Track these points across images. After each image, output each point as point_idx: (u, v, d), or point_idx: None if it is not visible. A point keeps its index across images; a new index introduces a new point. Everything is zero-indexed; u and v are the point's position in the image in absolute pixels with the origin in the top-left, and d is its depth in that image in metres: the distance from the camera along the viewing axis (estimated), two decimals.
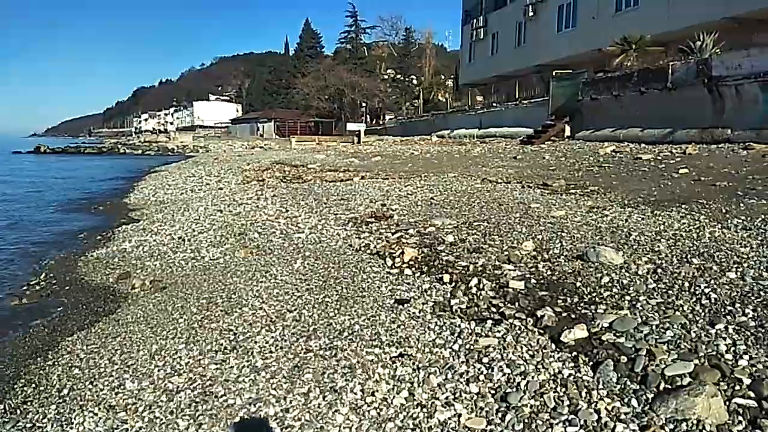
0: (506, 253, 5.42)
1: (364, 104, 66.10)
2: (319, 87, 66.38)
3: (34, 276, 8.17)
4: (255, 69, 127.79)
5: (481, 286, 4.66)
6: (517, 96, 25.83)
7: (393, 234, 7.03)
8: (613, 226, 6.16)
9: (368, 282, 5.46)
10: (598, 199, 8.73)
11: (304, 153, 29.36)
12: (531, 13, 29.88)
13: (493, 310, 4.12)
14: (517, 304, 4.11)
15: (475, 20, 36.69)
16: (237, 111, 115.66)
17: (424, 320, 4.23)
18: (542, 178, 12.07)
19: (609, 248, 4.97)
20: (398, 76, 74.36)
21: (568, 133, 19.09)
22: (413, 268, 5.68)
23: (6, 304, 6.97)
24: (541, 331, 3.66)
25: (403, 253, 5.99)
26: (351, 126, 50.06)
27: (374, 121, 62.85)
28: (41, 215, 15.22)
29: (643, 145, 14.96)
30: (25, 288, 7.63)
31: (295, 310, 4.81)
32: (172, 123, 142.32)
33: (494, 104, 28.15)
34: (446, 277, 5.09)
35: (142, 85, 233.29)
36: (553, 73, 21.66)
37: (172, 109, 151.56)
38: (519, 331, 3.70)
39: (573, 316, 3.76)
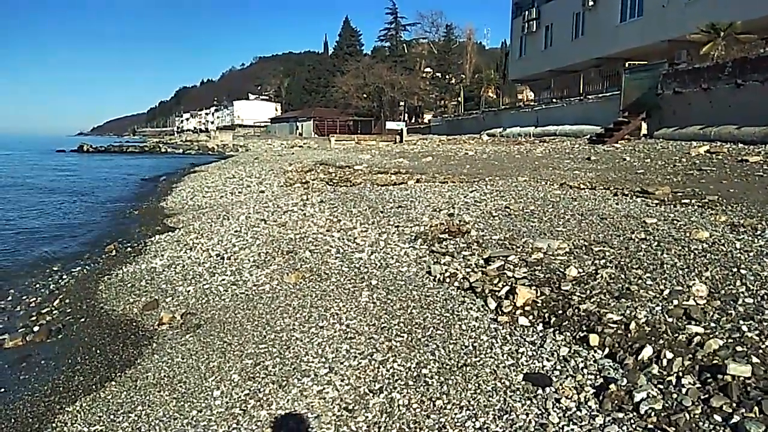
0: (673, 300, 3.80)
1: (403, 103, 64.49)
2: (358, 85, 65.07)
3: (47, 301, 6.91)
4: (294, 68, 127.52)
5: (664, 361, 3.07)
6: (581, 91, 23.80)
7: (487, 262, 5.45)
8: None
9: (471, 338, 3.92)
10: (729, 213, 6.99)
11: (347, 153, 27.99)
12: (590, 3, 27.75)
13: (717, 418, 2.53)
14: (757, 409, 2.51)
15: (526, 12, 34.65)
16: (276, 110, 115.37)
17: (592, 428, 2.67)
18: (634, 183, 10.33)
19: None
20: (437, 74, 72.49)
21: (644, 131, 17.11)
22: (531, 317, 4.12)
23: (5, 342, 5.67)
24: None
25: (513, 292, 4.43)
26: (390, 125, 48.63)
27: (413, 120, 61.22)
28: (70, 219, 14.20)
29: (740, 144, 13.02)
30: (33, 318, 6.36)
31: (381, 390, 3.31)
32: (212, 122, 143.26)
33: (554, 100, 26.14)
34: (593, 339, 3.52)
35: (184, 85, 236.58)
36: (626, 65, 19.64)
37: (212, 109, 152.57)
38: None
39: None
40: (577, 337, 3.65)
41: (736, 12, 17.08)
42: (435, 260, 6.09)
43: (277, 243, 7.78)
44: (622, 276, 4.42)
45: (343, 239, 7.68)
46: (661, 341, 3.29)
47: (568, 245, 5.63)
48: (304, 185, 14.52)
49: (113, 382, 4.30)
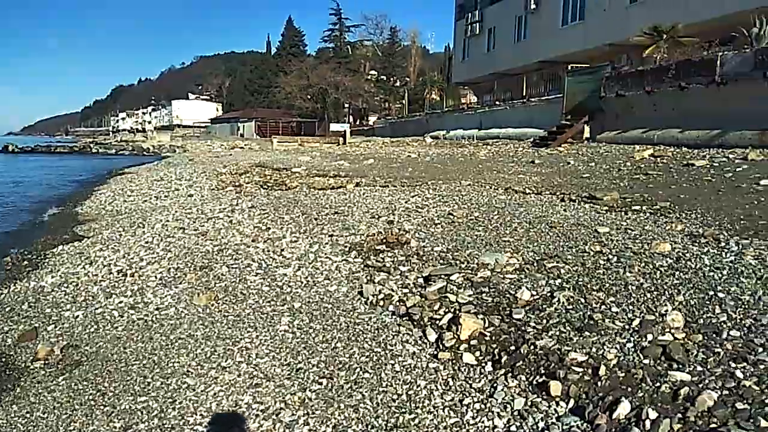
0: (647, 334, 3.14)
1: (347, 104, 63.68)
2: (302, 86, 63.78)
3: None
4: (236, 68, 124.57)
5: (647, 422, 2.38)
6: (524, 94, 23.58)
7: (427, 281, 4.72)
8: None
9: (406, 383, 3.17)
10: (685, 221, 6.53)
11: (287, 154, 26.94)
12: (533, 6, 27.70)
13: None
14: None
15: (469, 15, 34.42)
16: (217, 110, 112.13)
17: None
18: (580, 188, 9.90)
19: None
20: (382, 77, 72.10)
21: (587, 134, 16.88)
22: (478, 353, 3.40)
23: None
24: None
25: (456, 322, 3.70)
26: (335, 126, 47.83)
27: (358, 122, 60.54)
28: None
29: (684, 148, 12.84)
30: None
31: None
32: (150, 122, 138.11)
33: (497, 103, 25.87)
34: (555, 387, 2.82)
35: (120, 83, 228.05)
36: (569, 68, 19.45)
37: (150, 108, 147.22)
38: None
39: None
40: (535, 383, 2.94)
41: (676, 16, 17.11)
42: (368, 277, 5.33)
43: (191, 256, 6.83)
44: (582, 300, 3.76)
45: (269, 251, 6.83)
46: (639, 393, 2.61)
47: (518, 260, 4.96)
48: (236, 188, 13.51)
49: None
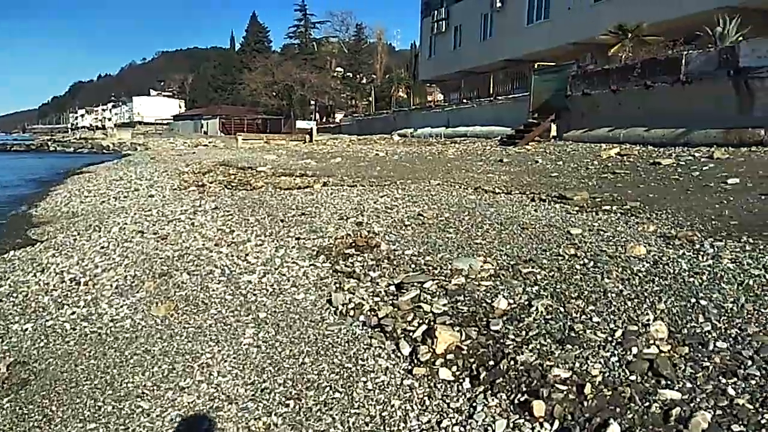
0: (632, 347, 3.00)
1: (313, 101, 63.17)
2: (267, 83, 63.00)
3: None
4: (199, 64, 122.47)
5: None
6: (491, 92, 23.62)
7: (399, 289, 4.52)
8: (762, 283, 3.84)
9: (379, 403, 2.97)
10: (656, 221, 6.49)
11: (252, 153, 26.46)
12: (498, 4, 27.79)
13: None
14: None
15: (435, 12, 34.40)
16: (180, 107, 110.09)
17: None
18: (550, 187, 9.87)
19: None
20: (348, 74, 71.79)
21: (554, 132, 16.96)
22: (455, 368, 3.22)
23: None
24: None
25: (431, 334, 3.51)
26: (301, 124, 47.33)
27: (324, 119, 60.12)
28: None
29: (650, 147, 12.95)
30: None
31: None
32: (110, 119, 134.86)
33: (464, 101, 25.88)
34: (538, 408, 2.65)
35: (79, 79, 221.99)
36: (535, 66, 19.51)
37: (110, 105, 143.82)
38: None
39: None
40: (517, 402, 2.77)
41: (640, 15, 17.28)
42: (338, 284, 5.10)
43: (150, 262, 6.49)
44: (562, 309, 3.61)
45: (232, 256, 6.53)
46: (629, 414, 2.46)
47: (492, 265, 4.81)
48: (199, 188, 13.10)
49: None
